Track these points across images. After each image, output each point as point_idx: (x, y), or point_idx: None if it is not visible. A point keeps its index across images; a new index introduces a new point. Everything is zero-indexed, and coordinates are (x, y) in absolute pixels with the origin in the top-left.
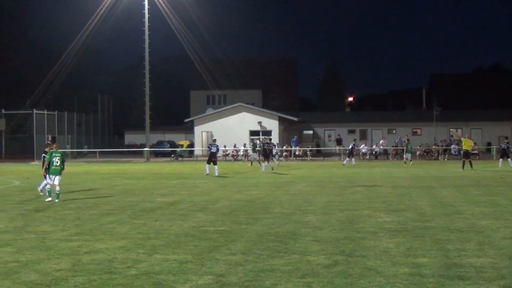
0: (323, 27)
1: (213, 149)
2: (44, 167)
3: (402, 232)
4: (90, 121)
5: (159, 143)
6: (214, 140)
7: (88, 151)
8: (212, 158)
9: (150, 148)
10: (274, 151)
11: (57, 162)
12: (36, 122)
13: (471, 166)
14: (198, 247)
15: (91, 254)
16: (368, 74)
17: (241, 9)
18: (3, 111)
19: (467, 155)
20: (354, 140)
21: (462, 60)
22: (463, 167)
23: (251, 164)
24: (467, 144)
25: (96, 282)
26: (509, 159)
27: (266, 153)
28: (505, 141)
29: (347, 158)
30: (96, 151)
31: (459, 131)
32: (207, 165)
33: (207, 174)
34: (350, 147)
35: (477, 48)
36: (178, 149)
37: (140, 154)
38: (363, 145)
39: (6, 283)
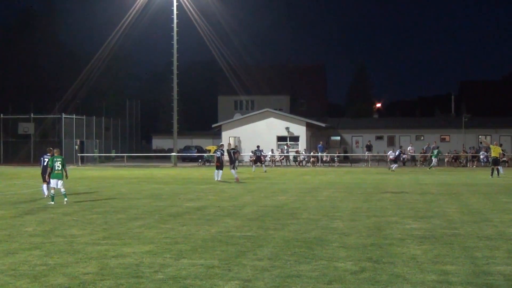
0: (352, 32)
1: (218, 154)
2: (47, 173)
3: (430, 239)
4: (118, 126)
5: (187, 148)
6: (221, 145)
7: (115, 156)
8: (216, 162)
9: (178, 153)
10: (266, 156)
11: (58, 166)
12: (65, 127)
13: (498, 174)
14: (225, 252)
15: (119, 258)
16: (397, 80)
17: (269, 14)
18: (32, 115)
19: (495, 162)
20: (401, 147)
21: (491, 67)
22: (491, 174)
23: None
24: (495, 151)
25: (123, 286)
26: None
27: (231, 158)
28: None
29: (395, 164)
30: (123, 155)
31: (488, 138)
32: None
33: (218, 180)
34: (397, 153)
35: (507, 55)
36: (205, 154)
37: (167, 159)
38: (391, 151)
39: (35, 286)
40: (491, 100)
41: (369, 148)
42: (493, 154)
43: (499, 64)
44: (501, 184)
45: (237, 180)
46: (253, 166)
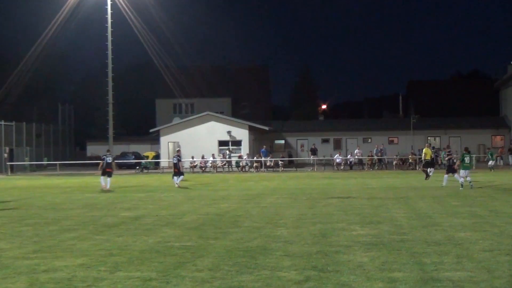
0: (296, 33)
1: (174, 160)
2: None
3: (378, 245)
4: (50, 132)
5: (123, 155)
6: (179, 151)
7: (48, 164)
8: (174, 169)
9: (114, 159)
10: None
11: None
12: None
13: (427, 177)
14: (163, 263)
15: (50, 272)
16: (343, 81)
17: (209, 14)
18: None
19: (427, 164)
20: (436, 148)
21: (439, 66)
22: (426, 177)
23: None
24: (427, 153)
25: None
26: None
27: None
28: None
29: (432, 169)
30: (56, 163)
31: (437, 139)
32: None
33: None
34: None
35: (455, 54)
36: (143, 161)
37: None
38: (337, 155)
39: None
40: (440, 100)
41: (314, 151)
42: (425, 157)
43: (447, 63)
44: (451, 187)
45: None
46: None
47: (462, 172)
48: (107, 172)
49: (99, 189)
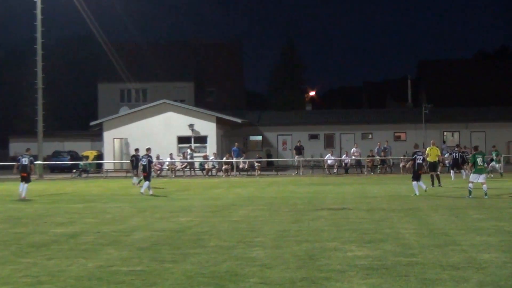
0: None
1: (144, 161)
2: None
3: (379, 270)
4: None
5: (56, 155)
6: (149, 150)
7: None
8: (143, 172)
9: (44, 161)
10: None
11: None
12: None
13: (439, 182)
14: None
15: None
16: (336, 61)
17: None
18: None
19: (433, 167)
20: (465, 146)
21: (458, 42)
22: (432, 183)
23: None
24: (433, 153)
25: None
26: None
27: (133, 165)
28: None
29: (464, 171)
30: None
31: (456, 135)
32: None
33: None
34: (456, 155)
35: (478, 28)
36: (81, 162)
37: None
38: (329, 154)
39: None
40: (459, 85)
41: (299, 150)
42: (430, 158)
43: (468, 39)
44: (472, 196)
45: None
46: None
47: (474, 176)
48: (23, 178)
49: (17, 198)
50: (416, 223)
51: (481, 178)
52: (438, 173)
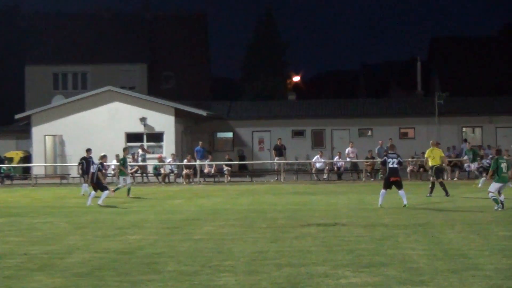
0: None
1: (94, 169)
2: None
3: None
4: None
5: None
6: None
7: None
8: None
9: None
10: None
11: None
12: None
13: (446, 192)
14: None
15: None
16: (327, 39)
17: None
18: None
19: (438, 172)
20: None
21: (479, 16)
22: (431, 192)
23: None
24: (436, 155)
25: None
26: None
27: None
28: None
29: (483, 178)
30: None
31: (477, 131)
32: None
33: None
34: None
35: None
36: (3, 166)
37: None
38: (318, 156)
39: None
40: (482, 68)
41: (280, 151)
42: (431, 162)
43: (493, 11)
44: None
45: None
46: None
47: (494, 185)
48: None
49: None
50: (427, 243)
51: (502, 187)
52: (442, 180)
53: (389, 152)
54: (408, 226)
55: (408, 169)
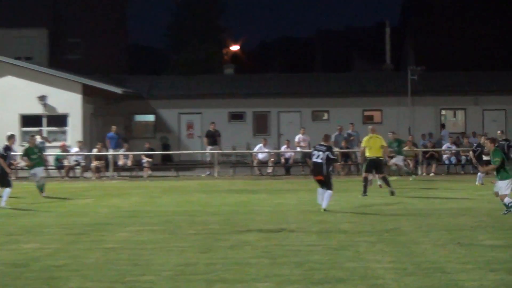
0: None
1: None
2: None
3: None
4: None
5: None
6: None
7: None
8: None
9: None
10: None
11: None
12: None
13: (391, 191)
14: None
15: None
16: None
17: None
18: None
19: (377, 166)
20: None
21: None
22: (365, 191)
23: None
24: (375, 145)
25: None
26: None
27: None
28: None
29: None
30: None
31: (459, 114)
32: None
33: None
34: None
35: None
36: None
37: None
38: (261, 145)
39: None
40: (467, 36)
41: (213, 138)
42: (368, 153)
43: None
44: (477, 209)
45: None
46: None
47: (502, 184)
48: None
49: None
50: (395, 254)
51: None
52: (385, 175)
53: (319, 143)
54: (372, 233)
55: None
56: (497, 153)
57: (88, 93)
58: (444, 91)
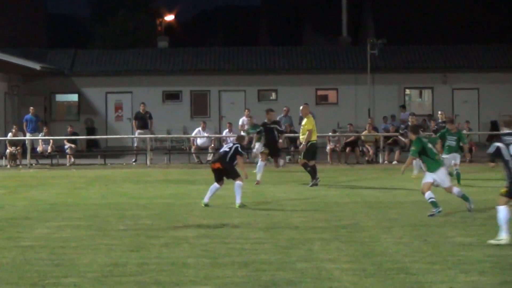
0: None
1: None
2: None
3: None
4: None
5: None
6: None
7: None
8: None
9: None
10: None
11: None
12: None
13: (315, 180)
14: None
15: None
16: None
17: None
18: None
19: (309, 153)
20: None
21: None
22: (313, 180)
23: None
24: (304, 128)
25: None
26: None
27: None
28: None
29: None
30: None
31: (426, 94)
32: None
33: None
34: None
35: None
36: None
37: None
38: (199, 129)
39: None
40: (433, 5)
41: (144, 121)
42: (314, 136)
43: None
44: (448, 202)
45: None
46: None
47: (440, 176)
48: None
49: None
50: (353, 252)
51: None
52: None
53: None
54: (326, 228)
55: (328, 148)
56: (416, 142)
57: (0, 69)
58: (408, 67)
